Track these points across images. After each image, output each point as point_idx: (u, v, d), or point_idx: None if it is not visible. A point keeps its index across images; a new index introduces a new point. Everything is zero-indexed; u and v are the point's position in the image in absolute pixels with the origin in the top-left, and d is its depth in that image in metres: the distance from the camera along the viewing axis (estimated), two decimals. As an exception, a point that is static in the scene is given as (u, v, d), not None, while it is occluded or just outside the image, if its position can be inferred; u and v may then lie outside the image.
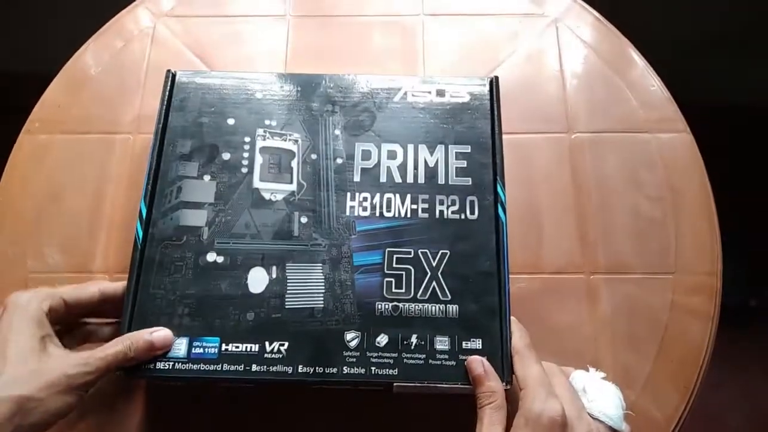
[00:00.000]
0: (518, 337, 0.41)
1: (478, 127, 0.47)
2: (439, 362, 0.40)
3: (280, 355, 0.40)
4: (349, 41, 0.59)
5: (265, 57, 0.58)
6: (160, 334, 0.40)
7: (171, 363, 0.40)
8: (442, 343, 0.41)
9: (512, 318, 0.41)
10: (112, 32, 0.59)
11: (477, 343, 0.41)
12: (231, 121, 0.47)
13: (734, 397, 1.01)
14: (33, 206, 0.51)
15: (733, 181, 0.81)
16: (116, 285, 0.41)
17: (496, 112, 0.48)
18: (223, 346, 0.40)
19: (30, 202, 0.51)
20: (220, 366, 0.40)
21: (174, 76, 0.49)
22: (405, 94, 0.49)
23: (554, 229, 0.50)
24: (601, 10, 0.60)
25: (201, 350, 0.40)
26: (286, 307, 0.42)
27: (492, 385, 0.38)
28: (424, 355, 0.40)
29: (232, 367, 0.40)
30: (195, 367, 0.40)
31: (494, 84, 0.49)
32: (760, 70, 1.10)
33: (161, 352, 0.39)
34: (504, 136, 0.47)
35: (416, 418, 0.44)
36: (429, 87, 0.49)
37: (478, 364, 0.39)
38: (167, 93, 0.48)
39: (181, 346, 0.40)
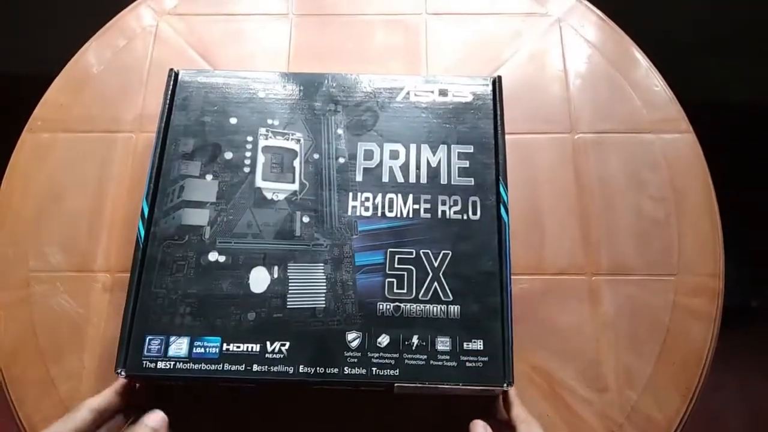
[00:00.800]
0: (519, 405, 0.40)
1: (481, 127, 0.47)
2: (440, 363, 0.40)
3: (282, 355, 0.40)
4: (351, 40, 0.58)
5: (267, 56, 0.57)
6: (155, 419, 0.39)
7: (172, 362, 0.40)
8: (443, 343, 0.41)
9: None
10: (115, 30, 0.59)
11: (478, 344, 0.41)
12: (233, 120, 0.47)
13: (735, 398, 1.01)
14: (35, 205, 0.51)
15: (735, 181, 0.81)
16: (105, 395, 0.39)
17: (498, 112, 0.48)
18: (225, 346, 0.40)
19: (32, 200, 0.51)
20: (221, 366, 0.40)
21: (177, 75, 0.49)
22: (408, 93, 0.49)
23: (556, 230, 0.50)
24: (604, 10, 0.59)
25: (202, 350, 0.40)
26: (288, 307, 0.42)
27: None
28: (425, 356, 0.40)
29: (233, 367, 0.40)
30: (196, 366, 0.40)
31: (497, 84, 0.49)
32: (762, 68, 1.09)
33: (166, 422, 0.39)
34: (507, 137, 0.47)
35: (417, 418, 0.44)
36: (432, 87, 0.49)
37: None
38: (170, 92, 0.48)
39: (182, 346, 0.40)
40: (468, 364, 0.40)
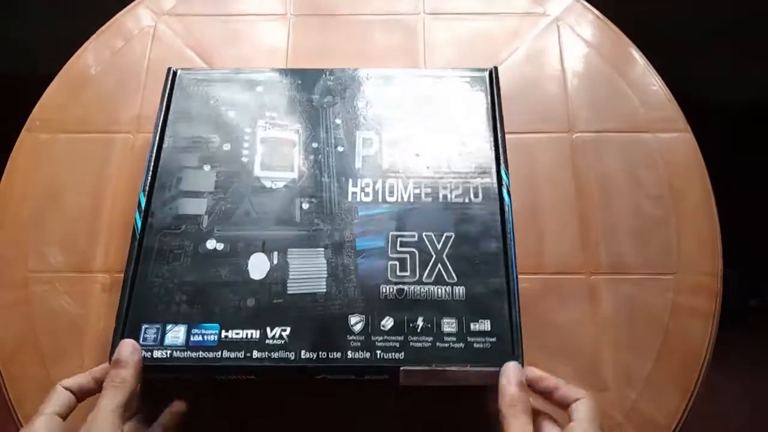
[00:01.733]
0: None
1: (479, 114, 0.47)
2: (446, 344, 0.38)
3: (282, 341, 0.38)
4: (349, 40, 0.58)
5: (265, 56, 0.57)
6: (122, 347, 0.37)
7: (169, 351, 0.38)
8: (449, 325, 0.39)
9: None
10: (113, 31, 0.58)
11: (485, 325, 0.39)
12: (231, 114, 0.47)
13: (734, 397, 1.00)
14: (33, 205, 0.50)
15: (733, 180, 0.81)
16: (80, 376, 0.38)
17: (496, 100, 0.47)
18: (223, 333, 0.39)
19: (30, 201, 0.50)
20: (220, 353, 0.38)
21: (175, 73, 0.49)
22: (405, 85, 0.49)
23: (555, 229, 0.49)
24: (602, 9, 0.59)
25: (200, 337, 0.39)
26: (288, 292, 0.40)
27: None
28: (431, 338, 0.39)
29: (233, 354, 0.38)
30: (194, 354, 0.38)
31: (493, 73, 0.49)
32: (761, 67, 1.09)
33: (139, 353, 0.37)
34: (505, 136, 0.47)
35: (420, 413, 0.43)
36: (428, 79, 0.49)
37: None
38: (168, 90, 0.48)
39: (179, 334, 0.39)
40: (476, 345, 0.38)
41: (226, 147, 0.45)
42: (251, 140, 0.46)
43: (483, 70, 0.49)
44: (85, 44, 0.58)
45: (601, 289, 0.47)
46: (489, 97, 0.48)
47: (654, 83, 0.55)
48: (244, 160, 0.45)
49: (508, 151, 0.46)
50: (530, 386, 0.39)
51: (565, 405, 0.37)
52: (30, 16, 1.05)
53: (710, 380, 0.45)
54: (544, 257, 0.49)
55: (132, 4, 0.60)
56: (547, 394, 0.38)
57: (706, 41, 1.04)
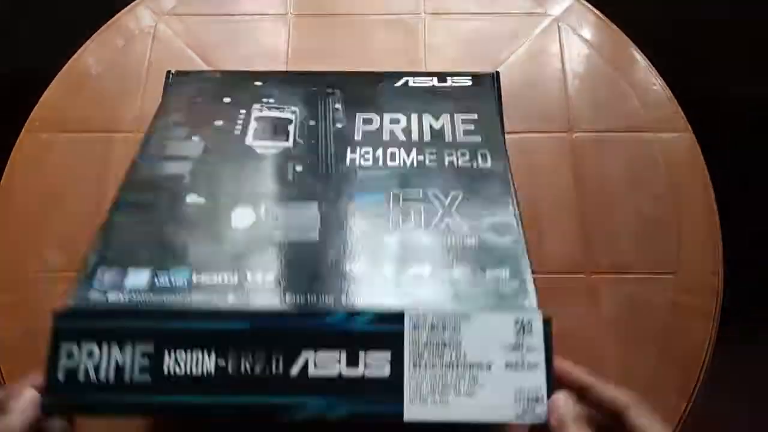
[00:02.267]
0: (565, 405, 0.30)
1: (484, 105, 0.45)
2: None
3: (266, 285, 0.33)
4: (350, 40, 0.58)
5: (266, 56, 0.57)
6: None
7: (129, 295, 0.31)
8: (459, 273, 0.34)
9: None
10: (113, 31, 0.59)
11: (505, 273, 0.34)
12: (227, 99, 0.45)
13: (734, 398, 1.00)
14: (34, 206, 0.50)
15: (733, 179, 0.81)
16: None
17: (499, 108, 0.46)
18: (195, 277, 0.33)
19: (31, 201, 0.50)
20: (189, 298, 0.32)
21: (174, 76, 0.48)
22: (406, 81, 0.47)
23: (555, 229, 0.49)
24: (602, 9, 0.59)
25: (167, 281, 0.32)
26: (276, 240, 0.35)
27: None
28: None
29: (205, 298, 0.32)
30: (159, 298, 0.32)
31: (495, 79, 0.47)
32: (760, 67, 1.09)
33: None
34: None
35: None
36: (430, 76, 0.47)
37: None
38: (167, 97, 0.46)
39: (142, 277, 0.32)
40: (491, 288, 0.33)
41: (218, 123, 0.43)
42: (245, 118, 0.43)
43: (484, 75, 0.48)
44: (86, 44, 0.58)
45: (601, 288, 0.47)
46: (493, 93, 0.46)
47: (655, 83, 0.55)
48: (236, 132, 0.42)
49: (508, 150, 0.46)
50: (558, 379, 0.33)
51: (605, 410, 0.30)
52: (30, 17, 1.05)
53: (710, 380, 0.45)
54: (544, 257, 0.48)
55: (132, 4, 0.60)
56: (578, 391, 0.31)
57: (706, 41, 1.04)
